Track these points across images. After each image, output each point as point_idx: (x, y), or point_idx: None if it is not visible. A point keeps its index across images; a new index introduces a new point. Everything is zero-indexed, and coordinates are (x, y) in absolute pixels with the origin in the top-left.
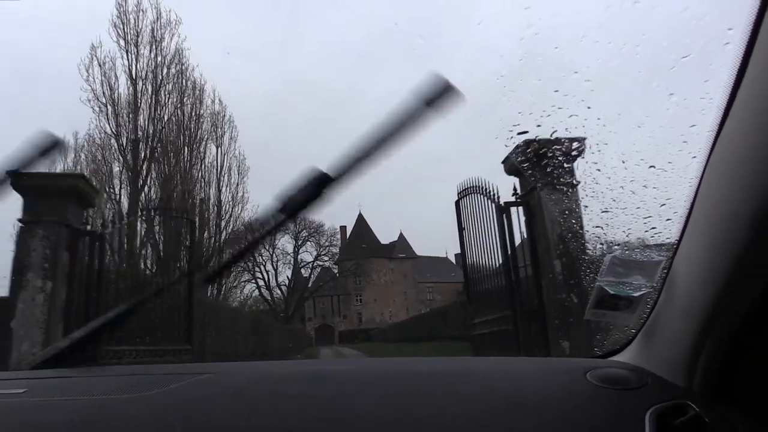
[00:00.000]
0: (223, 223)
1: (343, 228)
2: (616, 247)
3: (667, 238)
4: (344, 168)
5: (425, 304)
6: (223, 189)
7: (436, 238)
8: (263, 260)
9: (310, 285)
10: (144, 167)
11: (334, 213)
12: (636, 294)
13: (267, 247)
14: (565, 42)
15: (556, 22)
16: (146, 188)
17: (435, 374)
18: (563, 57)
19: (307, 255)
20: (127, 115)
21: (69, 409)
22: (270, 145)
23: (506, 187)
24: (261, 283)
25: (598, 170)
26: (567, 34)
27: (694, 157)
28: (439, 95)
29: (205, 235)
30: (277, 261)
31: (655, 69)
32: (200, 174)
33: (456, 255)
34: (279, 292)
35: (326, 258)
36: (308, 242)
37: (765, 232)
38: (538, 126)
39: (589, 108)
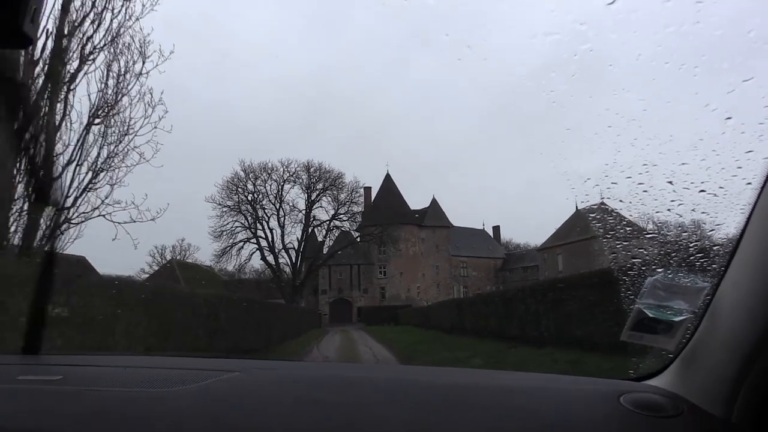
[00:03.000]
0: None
1: (367, 189)
2: (659, 270)
3: (714, 265)
4: None
5: (458, 280)
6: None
7: (472, 207)
8: (266, 215)
9: (325, 250)
10: None
11: (357, 170)
12: (676, 318)
13: (272, 200)
14: (620, 60)
15: (612, 40)
16: None
17: (464, 387)
18: (617, 75)
19: (322, 212)
20: None
21: (101, 400)
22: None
23: None
24: (264, 243)
25: (645, 191)
26: (624, 51)
27: (749, 183)
28: None
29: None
30: (285, 217)
31: (713, 91)
32: None
33: (494, 228)
34: (286, 256)
35: (345, 218)
36: (324, 196)
37: None
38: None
39: (640, 128)
